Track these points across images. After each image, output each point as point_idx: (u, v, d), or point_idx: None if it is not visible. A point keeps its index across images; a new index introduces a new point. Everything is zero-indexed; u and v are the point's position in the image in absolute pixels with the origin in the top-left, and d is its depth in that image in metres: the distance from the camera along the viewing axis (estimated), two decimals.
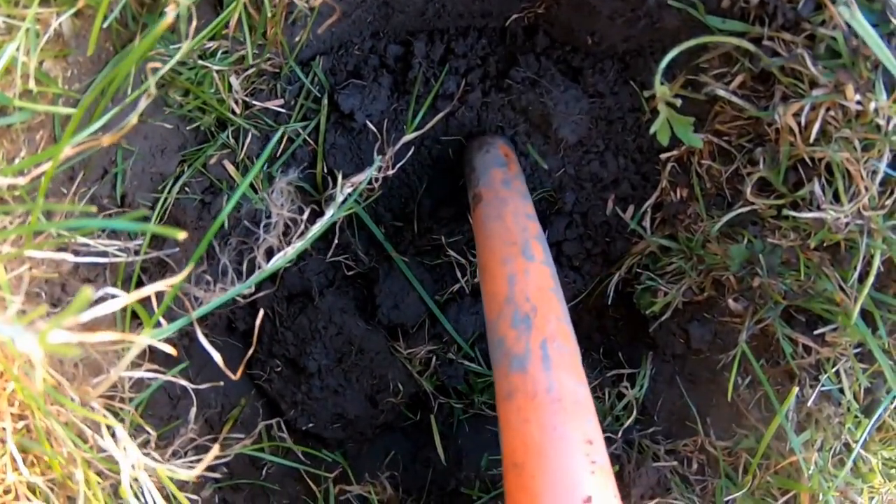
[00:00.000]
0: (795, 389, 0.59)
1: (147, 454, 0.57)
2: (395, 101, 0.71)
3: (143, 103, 0.47)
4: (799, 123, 0.61)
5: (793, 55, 0.60)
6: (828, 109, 0.60)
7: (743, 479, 0.65)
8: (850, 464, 0.63)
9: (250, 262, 0.59)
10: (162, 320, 0.54)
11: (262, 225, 0.60)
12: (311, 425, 0.74)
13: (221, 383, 0.62)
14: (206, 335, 0.70)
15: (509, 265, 0.53)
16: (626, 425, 0.71)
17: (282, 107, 0.70)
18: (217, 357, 0.53)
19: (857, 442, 0.63)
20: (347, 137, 0.71)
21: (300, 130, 0.70)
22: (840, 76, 0.58)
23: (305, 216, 0.60)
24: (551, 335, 0.48)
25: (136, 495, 0.50)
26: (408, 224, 0.73)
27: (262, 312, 0.59)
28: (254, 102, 0.68)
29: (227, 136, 0.68)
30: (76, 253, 0.58)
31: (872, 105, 0.56)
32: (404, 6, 0.68)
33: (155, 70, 0.53)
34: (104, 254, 0.58)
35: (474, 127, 0.70)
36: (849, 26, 0.56)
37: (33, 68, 0.51)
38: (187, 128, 0.66)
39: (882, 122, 0.56)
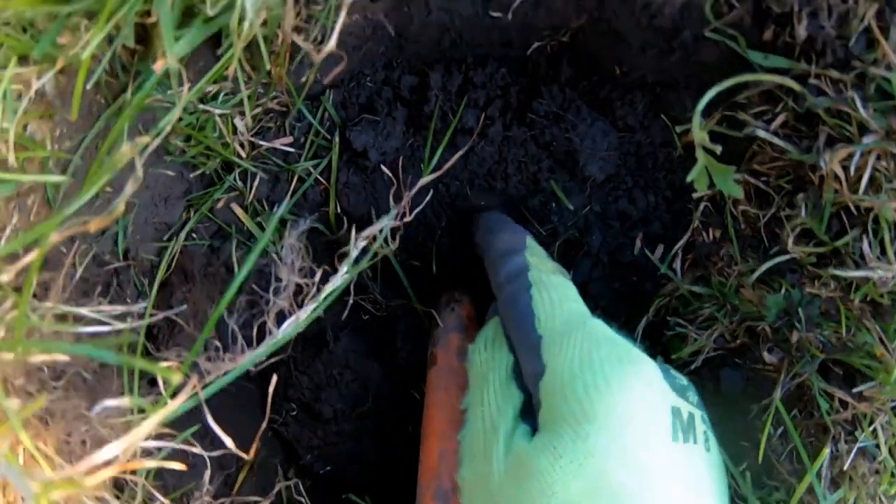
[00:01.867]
0: (826, 451, 0.56)
1: None
2: (410, 137, 0.67)
3: (129, 188, 0.44)
4: (846, 170, 0.57)
5: (841, 97, 0.55)
6: (878, 157, 0.55)
7: None
8: None
9: (260, 328, 0.57)
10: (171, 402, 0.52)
11: (272, 289, 0.57)
12: (328, 468, 0.73)
13: (232, 449, 0.59)
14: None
15: (443, 441, 0.59)
16: None
17: (291, 145, 0.66)
18: (229, 442, 0.51)
19: (893, 502, 0.60)
20: (361, 176, 0.67)
21: (311, 170, 0.67)
22: (892, 121, 0.53)
23: (317, 278, 0.57)
24: None
25: None
26: (426, 265, 0.70)
27: (275, 378, 0.56)
28: (261, 143, 0.65)
29: (234, 179, 0.65)
30: (78, 320, 0.56)
31: None
32: (418, 37, 0.63)
33: (141, 146, 0.49)
34: (104, 322, 0.55)
35: (494, 163, 0.66)
36: None
37: (13, 135, 0.48)
38: (191, 175, 0.63)
39: None
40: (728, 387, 0.67)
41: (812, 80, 0.57)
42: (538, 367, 0.53)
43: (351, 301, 0.65)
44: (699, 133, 0.57)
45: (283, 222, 0.67)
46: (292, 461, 0.73)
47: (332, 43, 0.44)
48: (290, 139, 0.66)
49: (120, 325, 0.57)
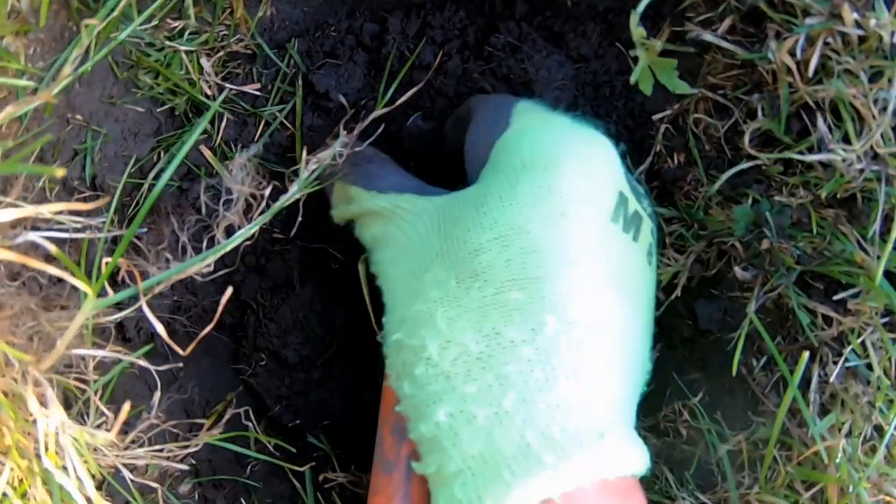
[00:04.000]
0: (806, 354, 0.51)
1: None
2: (372, 79, 0.69)
3: (74, 53, 0.47)
4: (796, 61, 0.55)
5: None
6: (826, 41, 0.53)
7: (761, 471, 0.57)
8: (882, 450, 0.53)
9: (210, 241, 0.58)
10: (110, 290, 0.52)
11: (221, 202, 0.58)
12: (297, 422, 0.71)
13: (180, 364, 0.59)
14: (186, 326, 0.69)
15: None
16: None
17: (259, 91, 0.69)
18: (160, 329, 0.51)
19: (890, 424, 0.54)
20: (325, 119, 0.69)
21: (277, 114, 0.69)
22: (835, 0, 0.52)
23: (267, 192, 0.58)
24: None
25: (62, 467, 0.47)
26: None
27: (229, 289, 0.56)
28: (228, 86, 0.68)
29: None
30: (36, 228, 0.58)
31: (873, 23, 0.49)
32: None
33: (91, 28, 0.53)
34: (65, 229, 0.57)
35: (453, 95, 0.67)
36: None
37: None
38: (160, 111, 0.66)
39: (887, 40, 0.49)
40: (705, 321, 0.63)
41: None
42: (503, 128, 0.51)
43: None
44: (636, 30, 0.56)
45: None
46: (262, 414, 0.71)
47: None
48: (257, 85, 0.69)
49: (79, 235, 0.60)
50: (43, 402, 0.50)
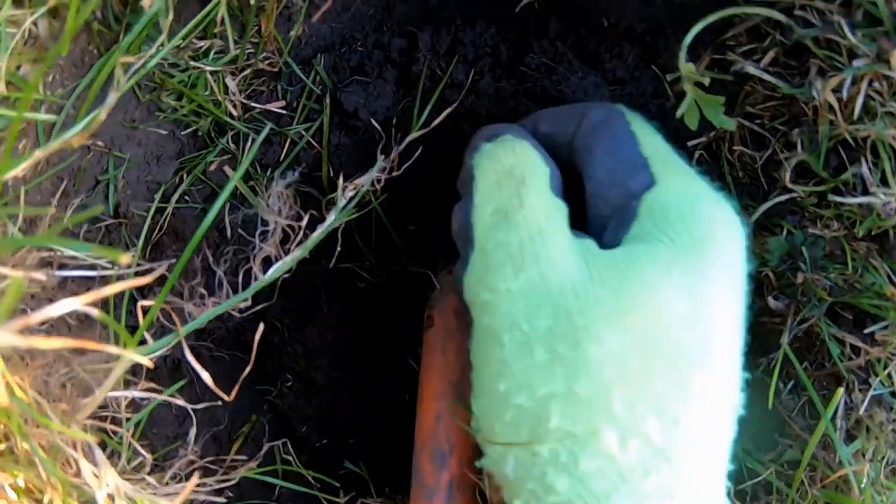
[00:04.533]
0: (840, 391, 0.53)
1: (140, 479, 0.54)
2: (401, 98, 0.67)
3: (112, 97, 0.44)
4: (839, 100, 0.55)
5: (828, 24, 0.55)
6: (870, 82, 0.54)
7: (788, 493, 0.59)
8: None
9: (246, 273, 0.56)
10: (148, 337, 0.51)
11: (258, 233, 0.56)
12: (325, 441, 0.71)
13: (220, 403, 0.58)
14: (211, 350, 0.68)
15: (440, 402, 0.57)
16: None
17: (284, 108, 0.67)
18: (206, 376, 0.50)
19: None
20: (353, 137, 0.67)
21: (303, 132, 0.67)
22: (882, 44, 0.52)
23: (304, 223, 0.56)
24: (460, 476, 0.55)
25: None
26: (423, 230, 0.69)
27: (261, 326, 0.55)
28: (253, 105, 0.65)
29: (227, 141, 0.65)
30: (63, 266, 0.56)
31: None
32: None
33: (127, 65, 0.50)
34: (93, 267, 0.55)
35: (485, 115, 0.66)
36: None
37: (3, 69, 0.49)
38: (183, 133, 0.63)
39: None
40: None
41: (798, 12, 0.56)
42: (645, 180, 0.48)
43: (336, 254, 0.64)
44: (685, 65, 0.56)
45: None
46: (289, 435, 0.71)
47: None
48: (282, 103, 0.66)
49: (107, 272, 0.57)
50: (90, 459, 0.49)
